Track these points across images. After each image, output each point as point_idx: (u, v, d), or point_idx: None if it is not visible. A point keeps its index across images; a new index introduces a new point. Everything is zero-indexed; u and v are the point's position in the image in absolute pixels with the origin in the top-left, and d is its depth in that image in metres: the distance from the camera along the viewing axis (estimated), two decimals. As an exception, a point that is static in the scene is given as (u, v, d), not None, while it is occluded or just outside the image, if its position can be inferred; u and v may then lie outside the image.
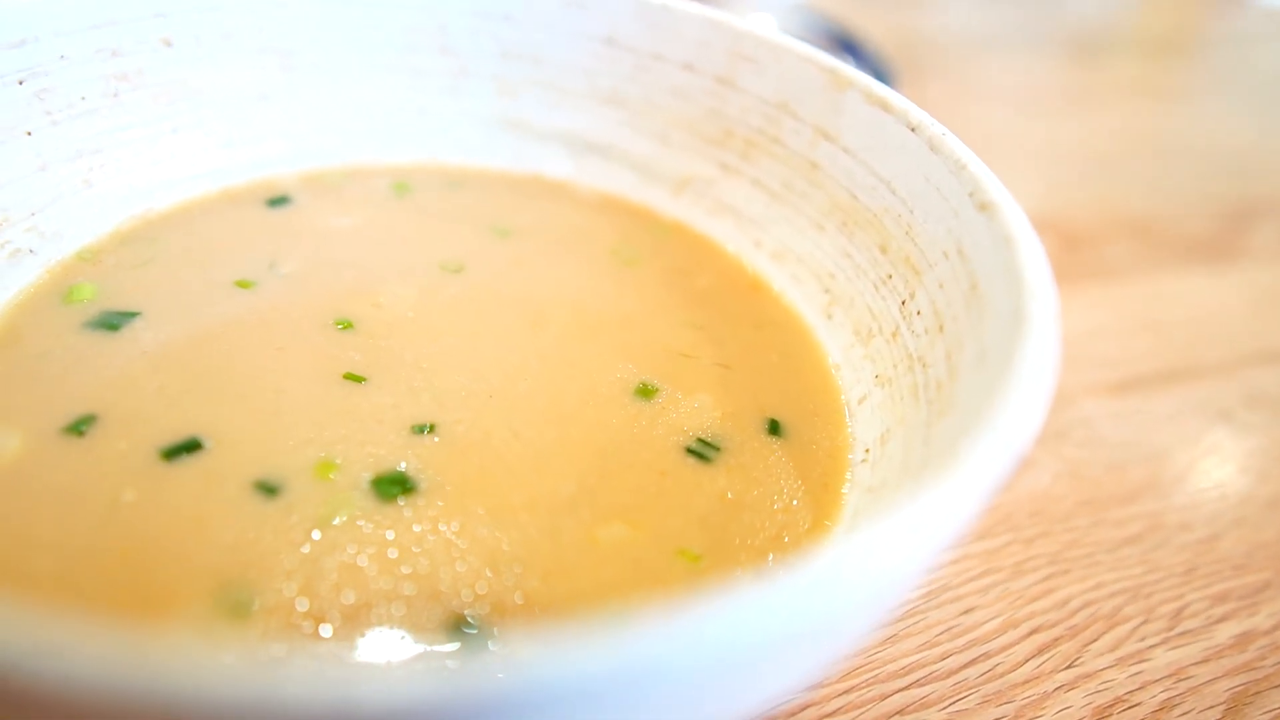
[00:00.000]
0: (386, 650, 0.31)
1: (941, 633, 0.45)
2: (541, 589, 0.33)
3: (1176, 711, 0.43)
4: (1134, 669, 0.44)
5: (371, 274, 0.47)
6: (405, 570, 0.33)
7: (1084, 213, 0.87)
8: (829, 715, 0.40)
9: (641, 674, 0.19)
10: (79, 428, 0.36)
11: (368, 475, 0.36)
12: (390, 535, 0.34)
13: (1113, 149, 1.02)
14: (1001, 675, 0.43)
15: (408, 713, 0.18)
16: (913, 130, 0.42)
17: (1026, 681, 0.43)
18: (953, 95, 1.10)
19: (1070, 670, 0.44)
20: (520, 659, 0.18)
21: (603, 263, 0.51)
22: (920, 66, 1.14)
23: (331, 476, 0.35)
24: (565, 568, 0.34)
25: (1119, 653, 0.45)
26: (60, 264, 0.45)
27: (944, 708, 0.41)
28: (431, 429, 0.38)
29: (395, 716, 0.18)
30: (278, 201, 0.52)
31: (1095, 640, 0.45)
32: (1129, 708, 0.43)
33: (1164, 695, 0.43)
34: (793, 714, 0.40)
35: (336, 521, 0.34)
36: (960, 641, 0.44)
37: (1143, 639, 0.46)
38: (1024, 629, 0.45)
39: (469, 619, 0.32)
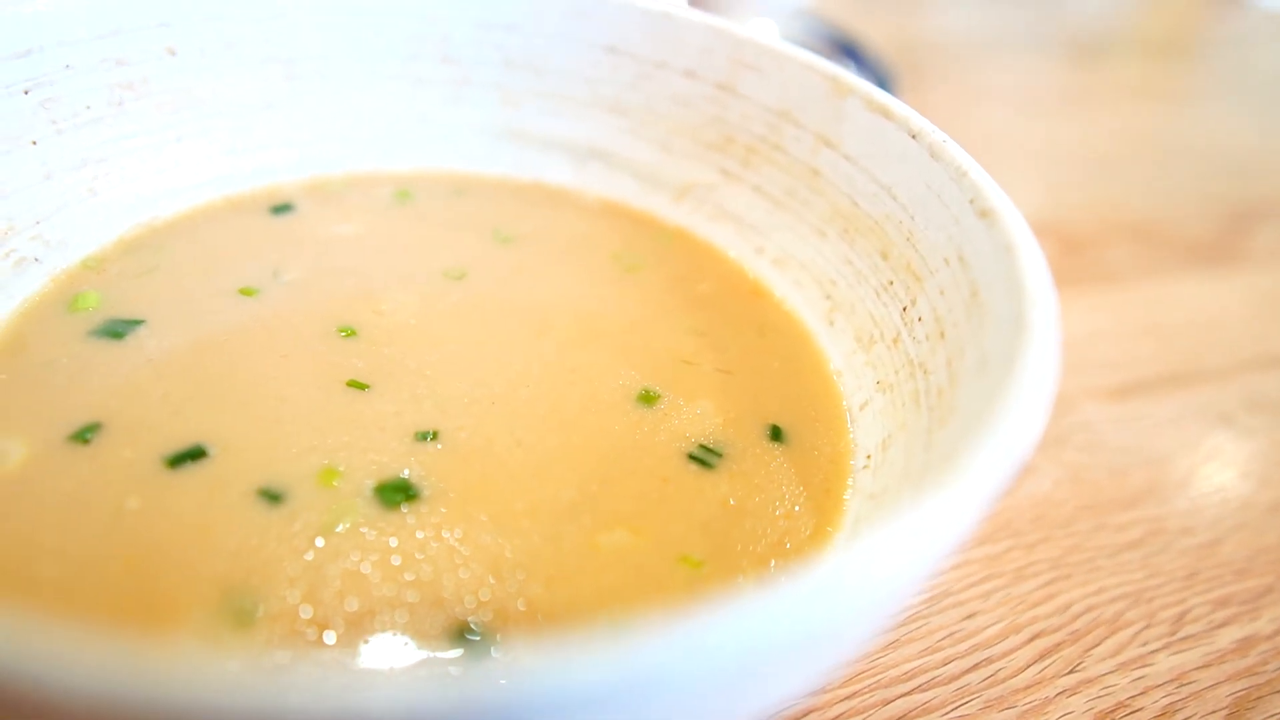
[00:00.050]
0: (390, 657, 0.31)
1: (944, 638, 0.45)
2: (544, 595, 0.33)
3: (1178, 717, 0.43)
4: (1136, 674, 0.44)
5: (374, 281, 0.47)
6: (408, 577, 0.33)
7: (1084, 215, 0.87)
8: (831, 721, 0.40)
9: (644, 682, 0.19)
10: (84, 435, 0.36)
11: (371, 482, 0.36)
12: (393, 542, 0.34)
13: (1113, 151, 1.02)
14: (1003, 680, 0.43)
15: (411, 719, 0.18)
16: (913, 137, 0.42)
17: (1028, 687, 0.43)
18: (954, 98, 1.10)
19: (1072, 675, 0.44)
20: (523, 666, 0.19)
21: (604, 269, 0.51)
22: (921, 70, 1.14)
23: (335, 484, 0.36)
24: (567, 574, 0.34)
25: (1121, 658, 0.45)
26: (65, 272, 0.45)
27: (946, 713, 0.41)
28: (434, 436, 0.38)
29: (399, 724, 0.18)
30: (281, 209, 0.52)
31: (1097, 645, 0.45)
32: (1131, 713, 0.43)
33: (1166, 700, 0.43)
34: (795, 720, 0.40)
35: (340, 528, 0.34)
36: (962, 647, 0.44)
37: (1144, 644, 0.46)
38: (1026, 634, 0.45)
39: (472, 626, 0.32)
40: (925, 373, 0.39)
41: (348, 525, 0.34)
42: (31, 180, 0.45)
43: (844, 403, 0.44)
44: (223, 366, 0.40)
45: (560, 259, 0.51)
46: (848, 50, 0.90)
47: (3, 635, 0.18)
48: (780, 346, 0.47)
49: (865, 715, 0.41)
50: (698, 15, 0.52)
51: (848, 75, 0.47)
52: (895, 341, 0.42)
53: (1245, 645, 0.46)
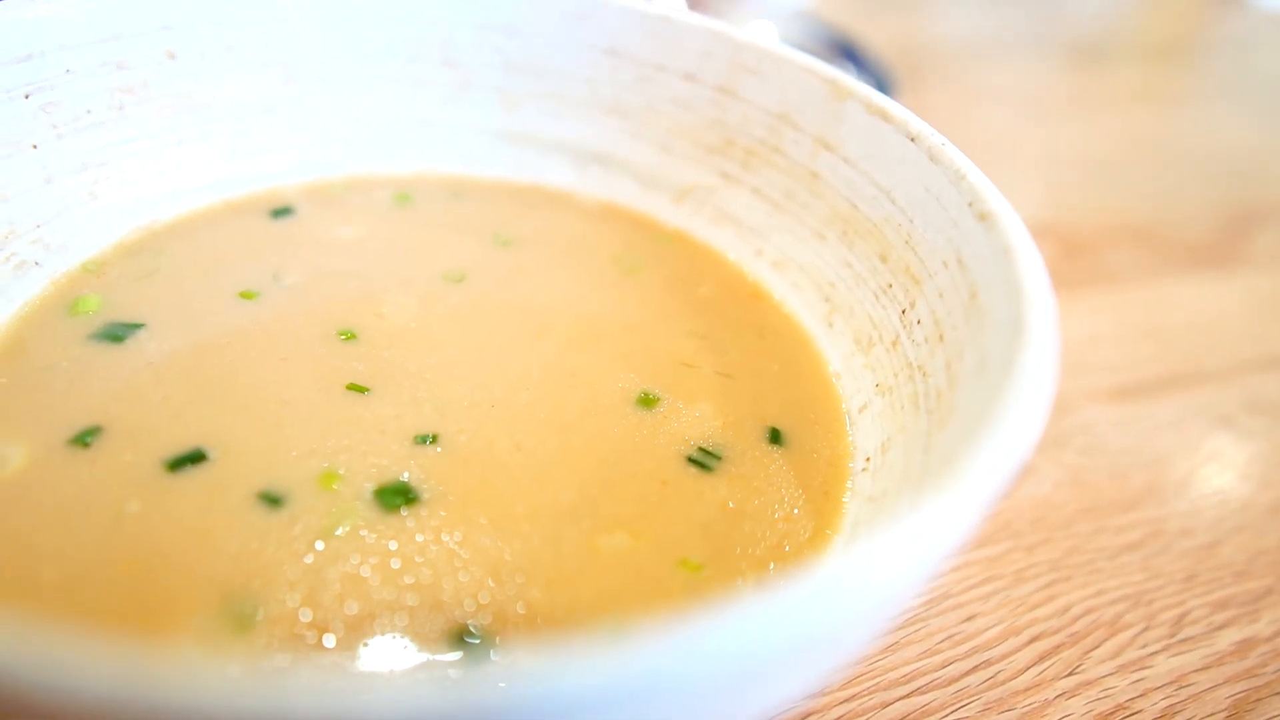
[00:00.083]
0: (389, 660, 0.31)
1: (943, 640, 0.45)
2: (543, 599, 0.33)
3: (1178, 719, 0.43)
4: (1135, 676, 0.44)
5: (374, 284, 0.47)
6: (408, 580, 0.33)
7: (1085, 218, 0.87)
8: (831, 723, 0.40)
9: (644, 685, 0.19)
10: (84, 439, 0.37)
11: (371, 486, 0.36)
12: (393, 545, 0.34)
13: (1113, 154, 1.02)
14: (1003, 683, 0.43)
15: (411, 724, 0.18)
16: (912, 140, 0.42)
17: (1028, 689, 0.43)
18: (953, 101, 1.10)
19: (1072, 677, 0.44)
20: (522, 669, 0.19)
21: (604, 272, 0.51)
22: (921, 72, 1.14)
23: (335, 487, 0.36)
24: (567, 577, 0.34)
25: (1120, 660, 0.45)
26: (65, 276, 0.45)
27: (946, 715, 0.42)
28: (434, 439, 0.38)
29: (398, 728, 0.18)
30: (281, 212, 0.52)
31: (1097, 647, 0.45)
32: (1130, 715, 0.43)
33: (1165, 702, 0.43)
34: (795, 722, 0.40)
35: (340, 532, 0.34)
36: (962, 649, 0.44)
37: (1144, 646, 0.46)
38: (1025, 636, 0.45)
39: (471, 629, 0.32)
40: (924, 375, 0.39)
41: (347, 528, 0.34)
42: (32, 184, 0.45)
43: (843, 405, 0.44)
44: (223, 370, 0.41)
45: (560, 261, 0.51)
46: (847, 53, 0.90)
47: (3, 639, 0.18)
48: (779, 349, 0.47)
49: (864, 718, 0.41)
50: (697, 18, 0.52)
51: (847, 78, 0.47)
52: (894, 344, 0.42)
53: (1245, 647, 0.46)
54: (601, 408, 0.41)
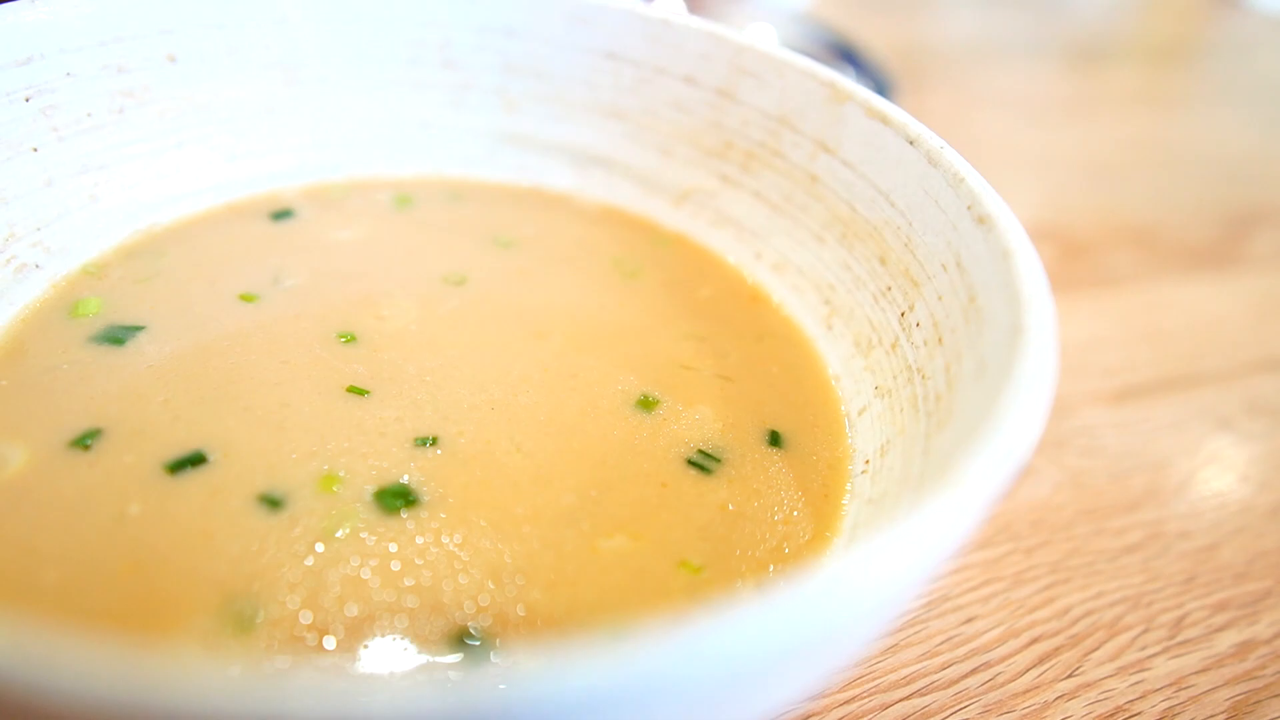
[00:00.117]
0: (389, 662, 0.31)
1: (942, 642, 0.45)
2: (543, 601, 0.33)
3: (1178, 721, 0.43)
4: (1135, 678, 0.44)
5: (374, 287, 0.47)
6: (408, 582, 0.33)
7: (1085, 220, 0.87)
8: (831, 725, 0.41)
9: (643, 687, 0.19)
10: (84, 441, 0.37)
11: (371, 488, 0.36)
12: (393, 548, 0.34)
13: (1113, 156, 1.03)
14: (1002, 685, 0.43)
15: (411, 725, 0.18)
16: (911, 143, 0.42)
17: (1027, 691, 0.43)
18: (953, 104, 1.11)
19: (1071, 679, 0.44)
20: (522, 671, 0.19)
21: (604, 274, 0.51)
22: (921, 75, 1.14)
23: (335, 489, 0.36)
24: (567, 579, 0.34)
25: (1120, 662, 0.45)
26: (66, 278, 0.45)
27: (945, 717, 0.42)
28: (434, 441, 0.38)
29: (398, 729, 0.18)
30: (281, 215, 0.52)
31: (1096, 649, 0.45)
32: (1130, 717, 0.43)
33: (1165, 704, 0.43)
34: (794, 724, 0.40)
35: (340, 534, 0.34)
36: (961, 651, 0.44)
37: (1143, 648, 0.46)
38: (1025, 638, 0.45)
39: (471, 631, 0.32)
40: (923, 378, 0.39)
41: (348, 531, 0.34)
42: (33, 187, 0.45)
43: (842, 408, 0.44)
44: (223, 372, 0.41)
45: (560, 264, 0.51)
46: (847, 56, 0.90)
47: (4, 641, 0.18)
48: (779, 352, 0.47)
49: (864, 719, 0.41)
50: (697, 21, 0.52)
51: (846, 81, 0.47)
52: (894, 347, 0.42)
53: (1244, 649, 0.46)
54: (601, 410, 0.41)
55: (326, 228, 0.52)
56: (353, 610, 0.32)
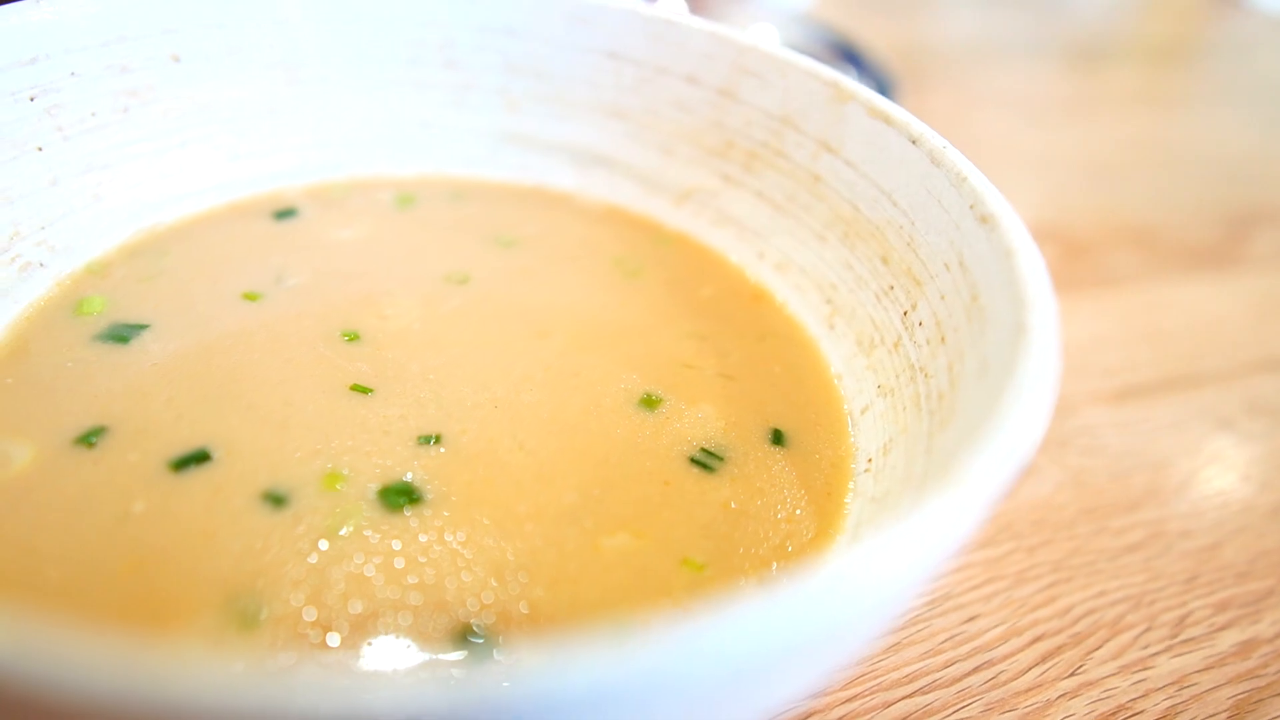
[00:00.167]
0: (393, 659, 0.31)
1: (945, 641, 0.45)
2: (546, 598, 0.33)
3: (1180, 719, 0.43)
4: (1137, 677, 0.44)
5: (377, 286, 0.47)
6: (411, 580, 0.33)
7: (1086, 220, 0.87)
8: (833, 724, 0.41)
9: (646, 684, 0.19)
10: (89, 439, 0.37)
11: (374, 486, 0.36)
12: (396, 545, 0.34)
13: (1114, 156, 1.03)
14: (1005, 683, 0.43)
15: (415, 721, 0.18)
16: (914, 143, 0.42)
17: (1030, 689, 0.43)
18: (954, 104, 1.11)
19: (1073, 678, 0.44)
20: (525, 668, 0.19)
21: (606, 274, 0.51)
22: (922, 75, 1.14)
23: (339, 487, 0.36)
24: (570, 577, 0.34)
25: (1122, 660, 0.45)
26: (70, 277, 0.45)
27: (947, 715, 0.42)
28: (437, 440, 0.39)
29: (403, 725, 0.18)
30: (284, 214, 0.52)
31: (1098, 648, 0.45)
32: (1132, 715, 0.43)
33: (1167, 703, 0.43)
34: (797, 722, 0.40)
35: (344, 532, 0.34)
36: (963, 649, 0.45)
37: (1145, 647, 0.46)
38: (1027, 637, 0.46)
39: (474, 628, 0.32)
40: (926, 377, 0.39)
41: (351, 528, 0.34)
42: (37, 186, 0.45)
43: (845, 407, 0.44)
44: (227, 371, 0.41)
45: (562, 263, 0.51)
46: (848, 56, 0.90)
47: (10, 637, 0.18)
48: (781, 351, 0.47)
49: (866, 718, 0.41)
50: (699, 21, 0.52)
51: (848, 81, 0.47)
52: (896, 346, 0.42)
53: (1246, 648, 0.46)
54: (604, 408, 0.42)
55: (329, 227, 0.52)
56: (356, 607, 0.32)
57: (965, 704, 0.42)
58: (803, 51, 0.51)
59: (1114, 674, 0.44)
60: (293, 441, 0.37)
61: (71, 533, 0.33)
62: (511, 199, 0.56)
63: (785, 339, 0.48)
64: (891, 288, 0.44)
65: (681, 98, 0.54)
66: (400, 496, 0.36)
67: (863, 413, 0.43)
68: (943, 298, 0.39)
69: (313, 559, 0.33)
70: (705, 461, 0.40)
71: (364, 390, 0.40)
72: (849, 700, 0.41)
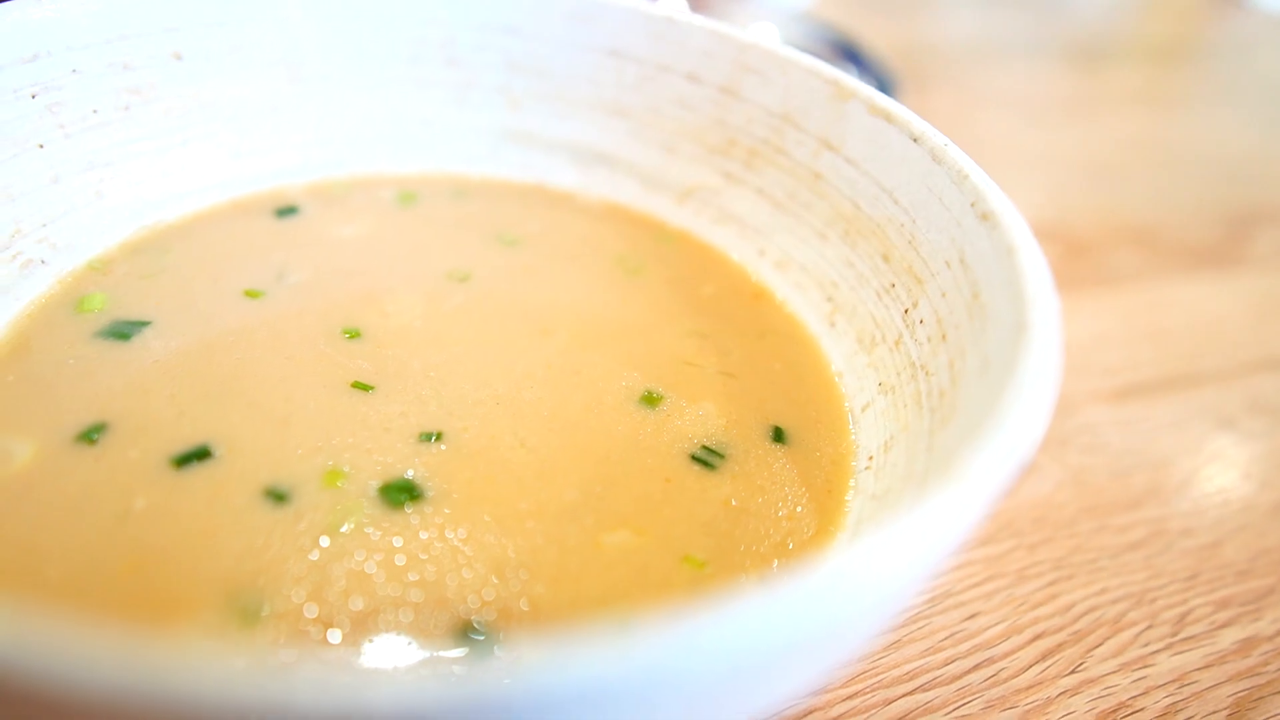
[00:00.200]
0: (394, 656, 0.31)
1: (945, 638, 0.45)
2: (547, 595, 0.33)
3: (1180, 717, 0.43)
4: (1138, 674, 0.44)
5: (378, 283, 0.47)
6: (412, 577, 0.33)
7: (1087, 220, 0.87)
8: (833, 721, 0.41)
9: (647, 681, 0.19)
10: (90, 436, 0.37)
11: (375, 483, 0.36)
12: (398, 542, 0.34)
13: (1115, 156, 1.03)
14: (1005, 680, 0.43)
15: (415, 718, 0.18)
16: (915, 141, 0.42)
17: (1030, 687, 0.43)
18: (955, 102, 1.11)
19: (1074, 675, 0.44)
20: (526, 665, 0.19)
21: (608, 272, 0.51)
22: (923, 75, 1.14)
23: (340, 484, 0.36)
24: (571, 574, 0.34)
25: (1123, 658, 0.45)
26: (72, 274, 0.46)
27: (948, 713, 0.42)
28: (438, 437, 0.39)
29: (404, 721, 0.18)
30: (286, 212, 0.52)
31: (1099, 645, 0.45)
32: (1132, 713, 0.43)
33: (1168, 700, 0.43)
34: (797, 719, 0.40)
35: (345, 529, 0.34)
36: (964, 647, 0.45)
37: (1146, 644, 0.46)
38: (1028, 634, 0.46)
39: (475, 625, 0.32)
40: (927, 374, 0.39)
41: (352, 525, 0.34)
42: (39, 183, 0.45)
43: (846, 404, 0.44)
44: (228, 368, 0.41)
45: (563, 261, 0.51)
46: (849, 54, 0.90)
47: (12, 632, 0.18)
48: (782, 348, 0.47)
49: (867, 715, 0.41)
50: (700, 19, 0.52)
51: (849, 79, 0.47)
52: (897, 343, 0.42)
53: (1247, 646, 0.46)
54: (605, 406, 0.42)
55: (330, 224, 0.52)
56: (357, 604, 0.32)
57: (966, 701, 0.42)
58: (803, 50, 0.51)
59: (1114, 671, 0.44)
60: (294, 438, 0.37)
61: (72, 530, 0.33)
62: (513, 197, 0.57)
63: (786, 336, 0.48)
64: (892, 285, 0.44)
65: (683, 96, 0.54)
66: (401, 493, 0.36)
67: (863, 410, 0.43)
68: (944, 295, 0.39)
69: (314, 556, 0.33)
70: (706, 459, 0.40)
71: (365, 387, 0.40)
72: (850, 697, 0.41)
